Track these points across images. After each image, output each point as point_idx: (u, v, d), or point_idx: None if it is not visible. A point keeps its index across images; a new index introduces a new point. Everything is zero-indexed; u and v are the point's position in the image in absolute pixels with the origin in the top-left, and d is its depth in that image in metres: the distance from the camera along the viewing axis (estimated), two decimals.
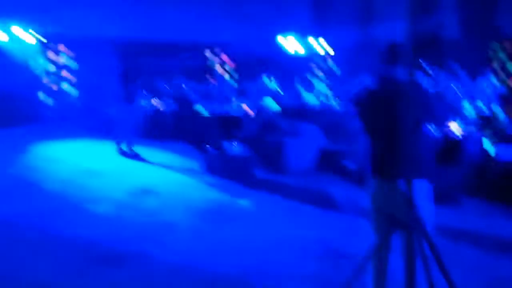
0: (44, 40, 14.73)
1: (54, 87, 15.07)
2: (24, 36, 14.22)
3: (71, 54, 15.19)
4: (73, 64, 15.23)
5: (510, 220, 6.06)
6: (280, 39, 16.13)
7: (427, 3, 2.58)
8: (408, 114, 3.17)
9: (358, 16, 17.53)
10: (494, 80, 10.58)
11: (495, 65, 13.04)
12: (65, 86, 15.21)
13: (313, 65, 17.30)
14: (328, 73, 16.75)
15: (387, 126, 3.36)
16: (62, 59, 15.17)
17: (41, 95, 14.86)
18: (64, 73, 15.22)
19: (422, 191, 3.32)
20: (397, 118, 3.27)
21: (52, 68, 14.99)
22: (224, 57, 17.09)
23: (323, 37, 16.75)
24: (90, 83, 14.75)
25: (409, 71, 2.77)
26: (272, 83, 14.40)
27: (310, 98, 13.53)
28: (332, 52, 16.89)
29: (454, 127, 8.34)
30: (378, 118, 3.44)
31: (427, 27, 2.53)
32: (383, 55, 3.47)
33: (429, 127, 6.06)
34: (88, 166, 9.21)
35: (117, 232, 5.63)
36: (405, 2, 2.71)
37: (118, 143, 10.28)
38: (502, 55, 14.21)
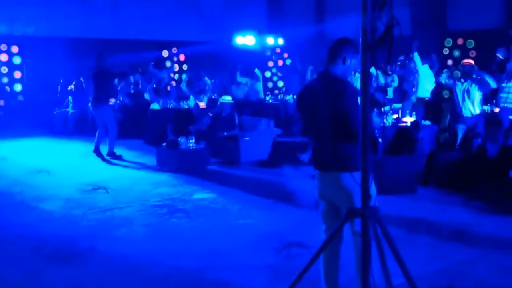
0: None
1: (5, 87, 14.53)
2: None
3: (20, 52, 14.67)
4: (22, 63, 14.71)
5: (463, 206, 6.18)
6: (236, 36, 16.07)
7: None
8: (335, 109, 3.22)
9: (312, 12, 17.68)
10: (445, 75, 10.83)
11: (449, 60, 13.31)
12: (15, 86, 14.69)
13: (268, 61, 17.33)
14: (283, 68, 16.81)
15: (317, 120, 3.40)
16: (12, 59, 14.63)
17: None
18: (14, 73, 14.68)
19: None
20: (326, 113, 3.30)
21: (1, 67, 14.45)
22: (180, 54, 16.90)
23: (278, 34, 16.79)
24: (40, 83, 14.33)
25: (362, 67, 2.76)
26: (226, 79, 14.31)
27: (264, 92, 13.52)
28: (287, 47, 16.95)
29: (407, 118, 8.50)
30: (310, 112, 3.48)
31: (380, 22, 2.53)
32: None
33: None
34: (36, 164, 8.89)
35: (68, 230, 5.46)
36: None
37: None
38: (455, 50, 14.60)
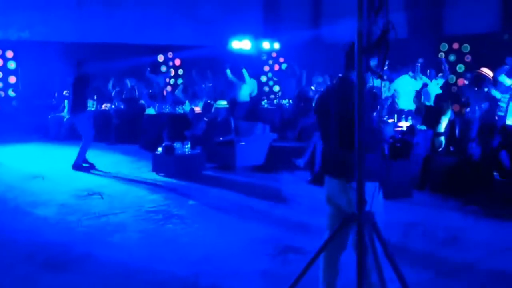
0: None
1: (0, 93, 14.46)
2: None
3: (15, 57, 14.60)
4: (17, 68, 14.64)
5: (459, 211, 6.18)
6: (232, 40, 16.05)
7: (375, 3, 2.59)
8: (345, 115, 3.21)
9: (308, 16, 17.71)
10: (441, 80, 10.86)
11: (445, 64, 13.31)
12: (9, 91, 14.62)
13: (264, 65, 17.31)
14: (279, 72, 16.80)
15: (328, 125, 3.41)
16: (6, 64, 14.56)
17: None
18: (9, 78, 14.61)
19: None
20: (336, 119, 3.29)
21: None
22: (176, 59, 16.86)
23: (274, 38, 16.79)
24: (35, 88, 14.27)
25: (358, 72, 2.76)
26: (222, 83, 14.27)
27: (260, 97, 13.48)
28: (283, 52, 16.94)
29: (403, 122, 8.51)
30: (323, 117, 3.49)
31: (376, 27, 2.54)
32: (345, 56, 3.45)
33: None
34: (31, 170, 8.84)
35: (63, 236, 5.42)
36: (352, 2, 2.68)
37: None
38: (451, 55, 14.62)
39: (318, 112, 3.61)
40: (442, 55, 14.41)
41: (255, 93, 13.53)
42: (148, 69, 14.67)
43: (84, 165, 8.90)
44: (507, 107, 8.25)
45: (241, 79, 12.51)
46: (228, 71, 12.76)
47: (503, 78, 8.56)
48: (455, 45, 14.58)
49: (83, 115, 9.06)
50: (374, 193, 3.36)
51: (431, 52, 14.13)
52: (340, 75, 3.52)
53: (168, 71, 15.87)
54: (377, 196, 3.41)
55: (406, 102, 10.33)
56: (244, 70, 12.53)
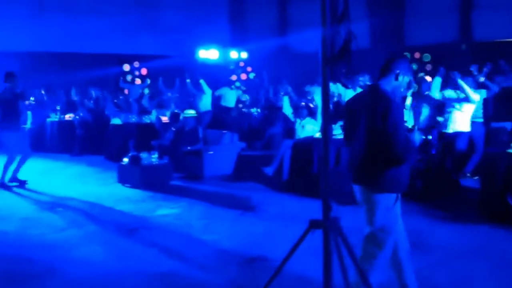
0: None
1: None
2: None
3: None
4: None
5: (422, 215, 6.27)
6: (199, 49, 16.03)
7: (338, 13, 2.65)
8: (377, 128, 3.23)
9: (275, 25, 17.85)
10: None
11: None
12: None
13: (232, 75, 17.34)
14: (247, 81, 16.85)
15: (357, 133, 3.43)
16: None
17: None
18: None
19: (381, 203, 3.40)
20: (367, 130, 3.31)
21: None
22: (142, 68, 16.73)
23: (242, 47, 16.85)
24: None
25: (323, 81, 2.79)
26: (190, 92, 14.18)
27: (229, 105, 13.43)
28: (250, 61, 17.02)
29: None
30: (352, 124, 3.51)
31: (338, 37, 2.60)
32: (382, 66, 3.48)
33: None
34: None
35: (25, 250, 5.25)
36: (317, 13, 2.72)
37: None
38: (412, 64, 14.91)
39: (347, 118, 3.61)
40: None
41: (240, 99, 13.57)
42: (121, 78, 14.46)
43: (14, 183, 8.36)
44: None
45: (200, 90, 12.39)
46: (188, 82, 12.65)
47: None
48: (417, 55, 14.91)
49: (14, 132, 8.27)
50: (390, 204, 3.40)
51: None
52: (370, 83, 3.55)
53: (145, 81, 15.67)
54: (393, 207, 3.44)
55: None
56: (202, 81, 12.37)
